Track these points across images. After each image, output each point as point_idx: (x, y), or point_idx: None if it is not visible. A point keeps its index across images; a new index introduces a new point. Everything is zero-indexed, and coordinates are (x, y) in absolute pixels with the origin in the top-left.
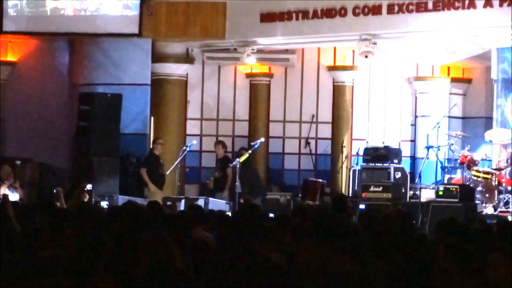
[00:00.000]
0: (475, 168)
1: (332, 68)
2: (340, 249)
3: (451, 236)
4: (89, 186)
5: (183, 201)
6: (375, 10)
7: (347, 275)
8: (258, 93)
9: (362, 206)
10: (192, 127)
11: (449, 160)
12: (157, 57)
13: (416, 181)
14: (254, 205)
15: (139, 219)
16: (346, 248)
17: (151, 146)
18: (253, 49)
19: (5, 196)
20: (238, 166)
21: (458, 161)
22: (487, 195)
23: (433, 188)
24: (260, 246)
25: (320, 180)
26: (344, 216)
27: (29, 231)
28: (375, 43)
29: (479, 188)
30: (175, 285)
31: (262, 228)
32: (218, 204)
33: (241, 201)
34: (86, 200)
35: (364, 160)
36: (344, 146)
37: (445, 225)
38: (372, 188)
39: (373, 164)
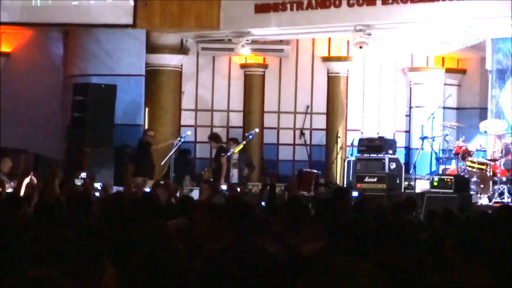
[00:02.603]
0: (469, 158)
1: (327, 59)
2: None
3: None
4: (83, 175)
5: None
6: (370, 1)
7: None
8: (253, 84)
9: (355, 194)
10: (187, 118)
11: (443, 150)
12: (152, 47)
13: (410, 172)
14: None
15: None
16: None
17: (141, 137)
18: (247, 40)
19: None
20: (232, 156)
21: (453, 151)
22: (481, 185)
23: (428, 179)
24: (254, 235)
25: (315, 170)
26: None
27: (17, 221)
28: (369, 34)
29: (474, 179)
30: (177, 277)
31: (255, 218)
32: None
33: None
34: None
35: (359, 151)
36: (339, 137)
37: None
38: (366, 179)
39: (368, 155)
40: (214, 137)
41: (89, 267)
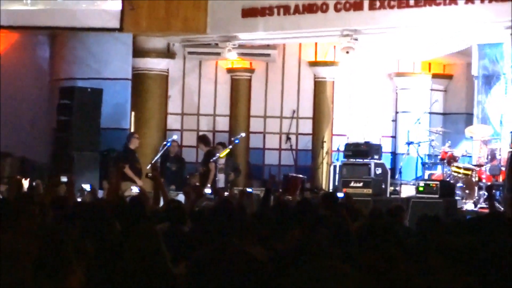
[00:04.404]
0: (455, 164)
1: (313, 64)
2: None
3: (438, 232)
4: (64, 179)
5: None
6: (357, 5)
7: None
8: (239, 88)
9: (340, 195)
10: (173, 122)
11: (429, 156)
12: (138, 51)
13: (396, 177)
14: (230, 200)
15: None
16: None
17: (126, 141)
18: (234, 44)
19: None
20: (219, 161)
21: (439, 157)
22: (467, 191)
23: (413, 184)
24: (239, 240)
25: (301, 175)
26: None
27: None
28: (356, 39)
29: (460, 184)
30: (162, 281)
31: (241, 222)
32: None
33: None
34: (64, 193)
35: (345, 156)
36: (325, 142)
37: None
38: (352, 184)
39: (354, 160)
40: (203, 140)
41: (56, 270)
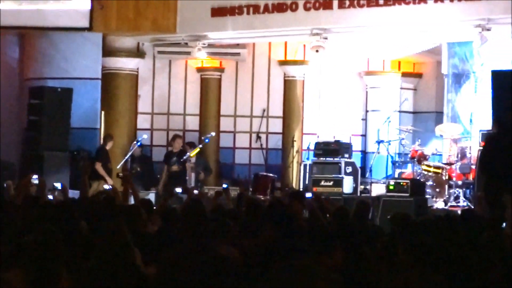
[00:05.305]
0: (425, 162)
1: (283, 63)
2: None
3: (408, 231)
4: (34, 177)
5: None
6: (326, 4)
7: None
8: (209, 88)
9: (308, 195)
10: (143, 121)
11: (399, 154)
12: (108, 51)
13: (367, 176)
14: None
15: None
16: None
17: (101, 141)
18: (204, 44)
19: None
20: (190, 160)
21: (409, 155)
22: (437, 189)
23: (384, 183)
24: (211, 240)
25: (271, 174)
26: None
27: None
28: (326, 38)
29: (430, 183)
30: (132, 281)
31: (213, 222)
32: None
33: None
34: (35, 192)
35: (315, 155)
36: (295, 141)
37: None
38: (323, 183)
39: (324, 159)
40: (181, 137)
41: (45, 273)
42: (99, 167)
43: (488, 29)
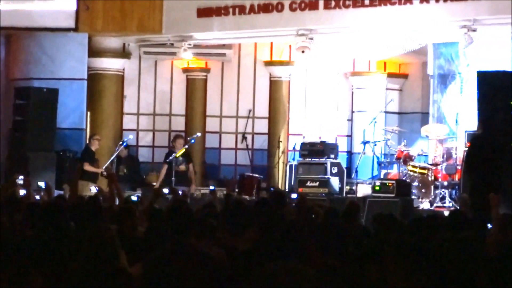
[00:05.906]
0: (411, 163)
1: (269, 63)
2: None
3: (392, 231)
4: (20, 177)
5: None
6: (312, 5)
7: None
8: (195, 88)
9: (294, 196)
10: (129, 122)
11: (385, 155)
12: (94, 51)
13: (352, 176)
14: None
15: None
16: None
17: (87, 142)
18: (189, 44)
19: None
20: (174, 161)
21: (395, 156)
22: (423, 190)
23: (369, 183)
24: (197, 240)
25: (257, 175)
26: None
27: None
28: (311, 38)
29: (416, 183)
30: (118, 281)
31: (197, 222)
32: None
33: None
34: (21, 193)
35: (301, 155)
36: (281, 141)
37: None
38: (308, 183)
39: (310, 159)
40: (183, 137)
41: (17, 277)
42: (88, 167)
43: (474, 30)
